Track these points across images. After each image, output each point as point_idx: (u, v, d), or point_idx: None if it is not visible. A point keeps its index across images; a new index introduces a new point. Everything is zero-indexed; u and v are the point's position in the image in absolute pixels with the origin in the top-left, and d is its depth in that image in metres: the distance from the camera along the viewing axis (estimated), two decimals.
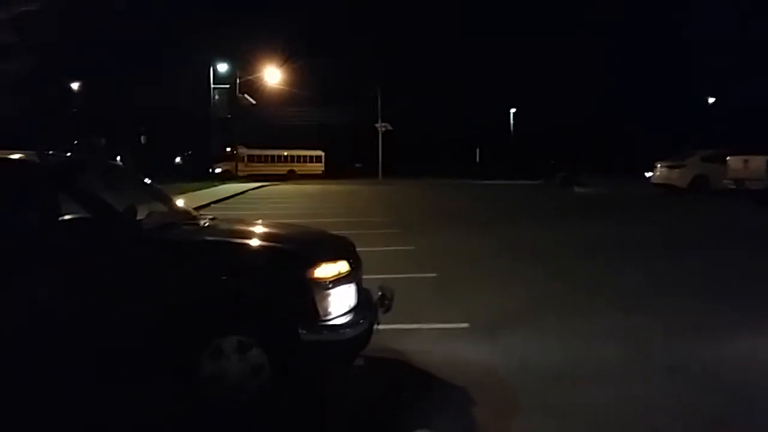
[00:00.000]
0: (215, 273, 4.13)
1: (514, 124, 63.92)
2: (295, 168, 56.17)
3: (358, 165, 64.99)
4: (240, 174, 47.83)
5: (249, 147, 54.43)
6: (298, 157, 59.42)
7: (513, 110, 63.70)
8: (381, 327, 4.80)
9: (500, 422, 4.19)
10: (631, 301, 7.50)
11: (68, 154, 5.20)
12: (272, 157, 54.83)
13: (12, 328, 3.99)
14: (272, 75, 45.90)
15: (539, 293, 8.00)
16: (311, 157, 60.21)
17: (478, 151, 65.25)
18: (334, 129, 61.23)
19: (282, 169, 55.49)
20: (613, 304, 7.31)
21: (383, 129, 49.39)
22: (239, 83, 44.57)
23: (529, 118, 63.95)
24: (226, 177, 44.50)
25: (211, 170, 48.58)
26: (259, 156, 56.23)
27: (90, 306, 4.05)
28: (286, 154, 56.97)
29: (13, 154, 4.39)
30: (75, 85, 47.59)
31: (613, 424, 4.19)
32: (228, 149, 52.38)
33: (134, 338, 4.04)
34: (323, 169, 59.41)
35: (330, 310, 4.20)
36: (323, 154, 60.77)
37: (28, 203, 4.25)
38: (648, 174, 27.48)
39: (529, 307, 7.22)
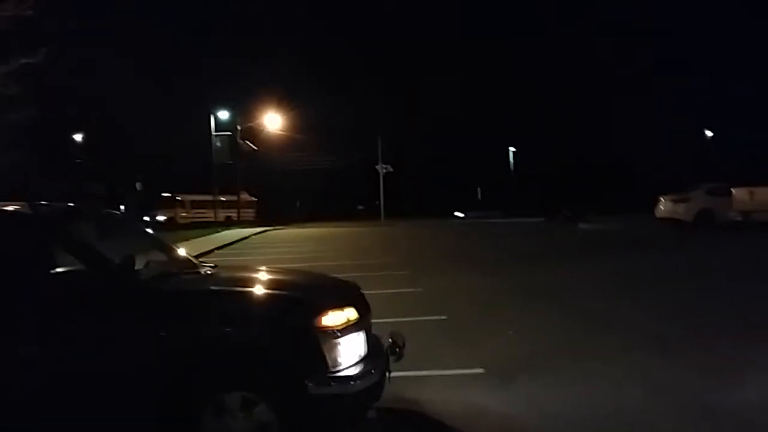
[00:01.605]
0: (215, 324, 3.90)
1: (513, 162, 64.04)
2: (231, 214, 49.90)
3: (360, 207, 64.97)
4: (180, 222, 45.11)
5: (190, 193, 50.55)
6: (232, 202, 53.02)
7: (512, 149, 63.88)
8: (393, 374, 4.54)
9: None
10: (653, 341, 7.20)
11: (68, 204, 4.99)
12: (212, 202, 51.19)
13: (2, 386, 3.74)
14: (273, 121, 46.19)
15: (555, 335, 7.70)
16: (247, 202, 55.17)
17: (479, 189, 65.25)
18: (335, 172, 61.41)
19: (221, 215, 49.41)
20: (634, 345, 7.01)
21: (384, 170, 49.42)
22: (240, 130, 44.81)
23: (529, 156, 64.19)
24: (170, 227, 40.50)
25: (148, 219, 42.76)
26: (202, 201, 50.76)
27: (84, 363, 3.81)
28: (224, 199, 51.04)
29: (5, 205, 4.20)
30: (78, 137, 47.93)
31: None
32: (167, 194, 48.94)
33: (131, 396, 3.78)
34: (254, 215, 54.31)
35: (339, 360, 3.96)
36: (256, 200, 56.37)
37: (20, 256, 4.05)
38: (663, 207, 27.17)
39: (546, 351, 6.93)
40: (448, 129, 69.08)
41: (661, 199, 27.73)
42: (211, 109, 44.17)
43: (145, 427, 3.85)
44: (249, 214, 52.81)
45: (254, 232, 34.66)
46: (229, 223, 45.22)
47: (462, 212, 55.22)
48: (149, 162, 50.36)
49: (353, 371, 3.99)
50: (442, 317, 8.81)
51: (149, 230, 5.62)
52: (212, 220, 46.53)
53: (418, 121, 67.64)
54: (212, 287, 4.55)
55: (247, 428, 3.80)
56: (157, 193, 48.89)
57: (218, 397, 3.81)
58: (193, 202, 50.79)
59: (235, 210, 49.06)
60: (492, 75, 73.68)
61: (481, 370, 6.14)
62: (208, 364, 3.83)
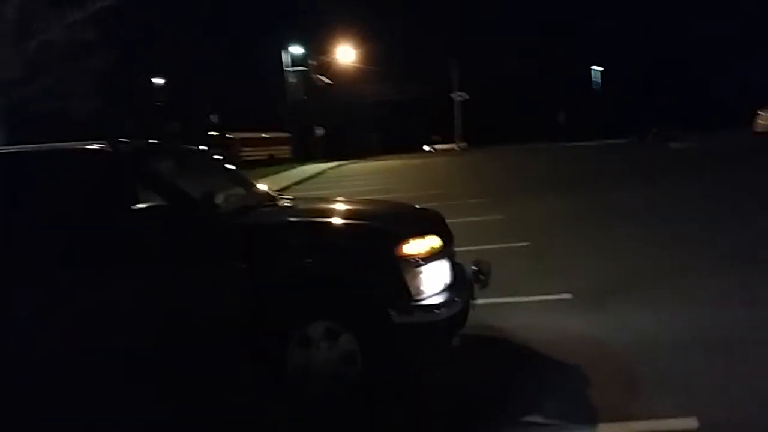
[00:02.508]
0: (296, 256, 3.85)
1: (600, 82, 61.12)
2: (272, 152, 47.56)
3: (435, 137, 64.27)
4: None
5: (238, 130, 46.84)
6: (273, 139, 51.93)
7: (597, 68, 60.84)
8: (478, 301, 4.41)
9: (620, 403, 3.71)
10: (750, 260, 6.74)
11: (147, 140, 5.02)
12: (261, 140, 46.87)
13: (88, 318, 3.87)
14: (346, 54, 45.79)
15: (644, 257, 7.35)
16: (281, 139, 52.75)
17: (561, 113, 62.95)
18: (409, 102, 60.65)
19: (263, 153, 46.72)
20: (730, 265, 6.58)
21: (460, 98, 48.38)
22: (314, 65, 44.68)
23: (615, 75, 61.03)
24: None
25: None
26: (251, 139, 48.17)
27: (165, 299, 3.87)
28: (267, 136, 48.93)
29: (86, 143, 4.25)
30: (157, 80, 49.11)
31: (748, 399, 3.62)
32: (213, 133, 45.77)
33: (216, 331, 3.82)
34: (289, 151, 51.18)
35: (422, 289, 3.83)
36: (289, 135, 52.97)
37: (102, 193, 4.10)
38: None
39: (636, 273, 6.62)
40: (525, 52, 66.38)
41: (760, 113, 25.86)
42: (284, 45, 44.02)
43: (231, 361, 3.90)
44: (283, 151, 49.82)
45: (329, 166, 34.94)
46: (303, 158, 43.95)
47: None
48: (221, 101, 50.09)
49: (437, 300, 3.88)
50: (526, 243, 8.58)
51: (229, 165, 5.60)
52: (259, 158, 43.69)
53: (494, 44, 65.24)
54: (292, 219, 4.50)
55: (332, 358, 3.78)
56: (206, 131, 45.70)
57: (302, 328, 3.79)
58: (242, 139, 47.22)
59: (277, 146, 46.49)
60: None
61: (568, 296, 5.93)
62: (290, 295, 3.80)
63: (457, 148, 55.23)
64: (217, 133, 45.60)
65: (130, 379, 3.97)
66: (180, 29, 45.40)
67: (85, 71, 19.46)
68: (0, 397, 3.90)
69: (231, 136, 45.48)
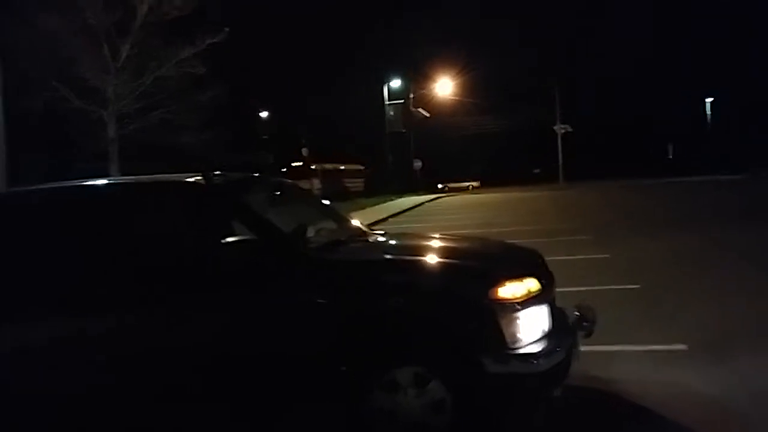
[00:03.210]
0: (386, 294, 3.66)
1: (710, 114, 57.95)
2: (349, 184, 45.29)
3: (536, 170, 62.90)
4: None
5: (318, 160, 44.34)
6: (349, 171, 49.94)
7: (709, 100, 57.75)
8: (581, 349, 4.04)
9: None
10: None
11: (242, 173, 5.04)
12: (336, 171, 44.84)
13: (172, 350, 3.82)
14: (445, 86, 46.00)
15: (765, 307, 6.62)
16: (356, 171, 50.91)
17: (670, 146, 59.96)
18: (509, 135, 59.87)
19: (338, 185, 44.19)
20: None
21: (563, 131, 47.20)
22: (413, 97, 45.13)
23: (728, 107, 57.71)
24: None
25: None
26: (333, 171, 46.23)
27: (250, 336, 3.77)
28: (343, 168, 46.91)
29: (182, 176, 4.30)
30: (264, 114, 51.20)
31: None
32: (297, 164, 43.31)
33: (300, 371, 3.67)
34: (362, 184, 48.93)
35: (519, 336, 3.55)
36: (363, 168, 51.59)
37: (194, 225, 4.11)
38: None
39: (759, 324, 5.96)
40: (633, 83, 64.12)
41: None
42: (385, 79, 44.73)
43: (314, 404, 3.74)
44: (357, 184, 47.14)
45: (427, 199, 34.88)
46: (401, 191, 42.79)
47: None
48: (318, 132, 50.91)
49: (535, 348, 3.58)
50: (635, 285, 7.99)
51: (322, 199, 5.54)
52: (340, 191, 41.36)
53: (600, 75, 63.47)
54: (382, 256, 4.33)
55: (420, 405, 3.55)
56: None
57: (389, 372, 3.58)
58: (324, 171, 44.78)
59: (351, 179, 44.55)
60: (680, 17, 66.91)
61: (683, 346, 5.39)
62: (378, 337, 3.61)
63: (470, 187, 55.24)
64: (301, 164, 44.27)
65: (206, 416, 3.90)
66: (285, 63, 47.19)
67: (195, 105, 20.50)
68: None
69: (315, 167, 43.87)
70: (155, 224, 4.19)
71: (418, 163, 50.27)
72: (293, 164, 44.06)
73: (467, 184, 58.26)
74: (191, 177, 4.21)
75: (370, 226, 5.41)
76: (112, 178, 4.82)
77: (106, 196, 4.42)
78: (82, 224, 4.17)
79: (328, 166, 46.09)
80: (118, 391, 3.85)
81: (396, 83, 45.71)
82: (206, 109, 20.93)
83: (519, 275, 3.71)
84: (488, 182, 56.36)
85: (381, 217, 21.49)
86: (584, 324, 4.17)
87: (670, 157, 59.10)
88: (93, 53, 19.43)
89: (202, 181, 4.16)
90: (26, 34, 17.80)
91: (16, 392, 3.86)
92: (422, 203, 31.73)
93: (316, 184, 40.13)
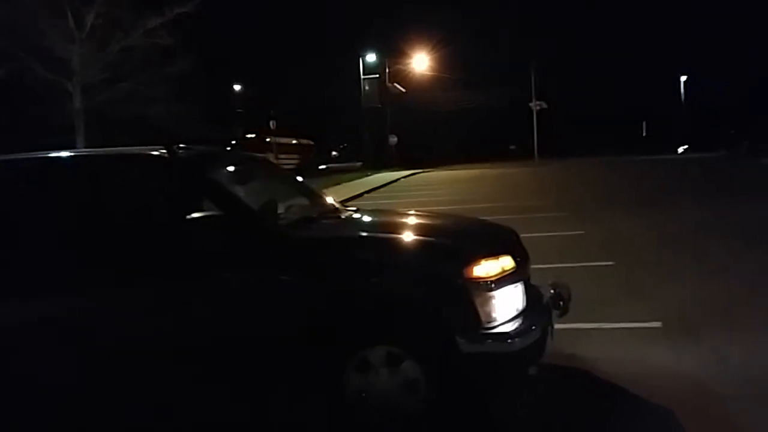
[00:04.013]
0: (356, 273, 3.54)
1: (684, 93, 58.44)
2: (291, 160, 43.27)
3: (512, 147, 63.08)
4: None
5: (273, 134, 42.00)
6: (301, 146, 48.96)
7: (683, 78, 58.19)
8: (555, 326, 3.97)
9: None
10: None
11: (207, 147, 4.85)
12: (289, 145, 43.78)
13: (136, 330, 3.67)
14: (421, 62, 45.57)
15: (739, 283, 6.65)
16: (306, 146, 49.97)
17: (644, 124, 60.45)
18: (485, 111, 59.72)
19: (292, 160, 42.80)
20: None
21: (538, 108, 47.18)
22: (388, 72, 44.71)
23: (703, 85, 58.29)
24: None
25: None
26: (286, 145, 44.56)
27: (219, 312, 3.62)
28: (294, 142, 45.90)
29: (142, 149, 4.10)
30: (237, 87, 50.32)
31: None
32: (250, 135, 42.32)
33: (269, 351, 3.55)
34: (298, 161, 45.92)
35: (494, 315, 3.47)
36: (312, 144, 50.99)
37: (157, 200, 3.94)
38: None
39: (732, 301, 5.99)
40: (607, 59, 64.26)
41: None
42: (360, 53, 44.22)
43: (284, 383, 3.62)
44: (292, 160, 44.16)
45: (402, 175, 34.76)
46: (377, 167, 42.17)
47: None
48: (291, 107, 49.97)
49: (510, 327, 3.50)
50: (609, 263, 7.98)
51: (294, 174, 5.37)
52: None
53: (574, 52, 63.51)
54: (354, 233, 4.20)
55: (393, 385, 3.47)
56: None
57: (361, 352, 3.48)
58: (279, 145, 42.88)
59: (293, 155, 43.16)
60: None
61: (657, 324, 5.37)
62: (349, 316, 3.50)
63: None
64: (254, 136, 43.03)
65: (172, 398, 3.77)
66: (258, 36, 46.26)
67: (163, 77, 19.99)
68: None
69: (269, 140, 42.15)
70: (117, 198, 4.00)
71: (393, 139, 50.02)
72: (247, 136, 43.02)
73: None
74: (155, 150, 4.02)
75: (345, 202, 5.26)
76: (74, 150, 4.60)
77: (67, 168, 4.21)
78: (42, 196, 3.98)
79: (283, 140, 44.38)
80: (76, 372, 3.69)
81: (371, 57, 45.21)
82: (175, 81, 20.43)
83: (494, 253, 3.61)
84: (463, 159, 56.34)
85: (356, 193, 21.33)
86: (559, 303, 4.09)
87: (644, 134, 59.66)
88: (57, 22, 18.80)
89: (166, 154, 3.97)
90: None
91: None
92: (398, 179, 31.57)
93: (270, 157, 39.10)
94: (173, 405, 3.81)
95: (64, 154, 4.41)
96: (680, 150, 50.00)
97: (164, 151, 3.98)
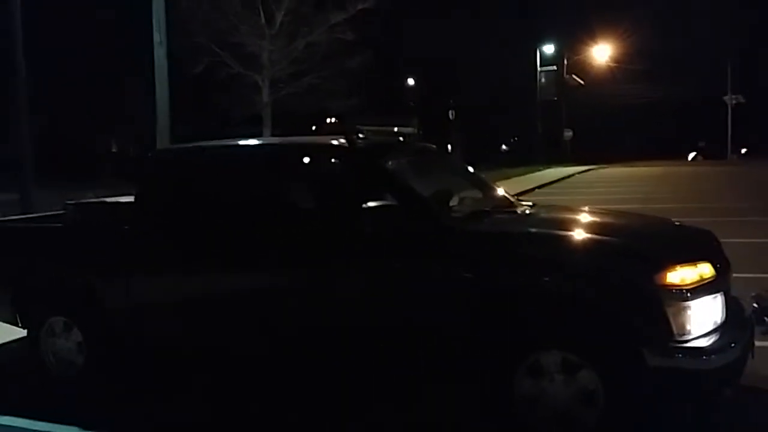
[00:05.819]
0: (534, 271, 3.38)
1: None
2: None
3: (701, 144, 57.93)
4: None
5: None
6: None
7: None
8: (758, 344, 3.54)
9: None
10: None
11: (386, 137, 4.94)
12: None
13: (305, 316, 3.85)
14: (601, 52, 43.37)
15: None
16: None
17: None
18: (671, 104, 55.40)
19: None
20: None
21: (734, 101, 42.89)
22: (566, 64, 43.07)
23: None
24: None
25: None
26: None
27: (387, 302, 3.66)
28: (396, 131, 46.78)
29: (324, 138, 4.25)
30: (410, 81, 51.07)
31: None
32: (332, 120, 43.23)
33: (435, 348, 3.51)
34: None
35: (688, 327, 3.15)
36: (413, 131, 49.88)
37: (334, 188, 4.08)
38: None
39: None
40: None
41: None
42: (537, 44, 43.04)
43: (450, 383, 3.56)
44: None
45: (577, 170, 33.30)
46: (550, 162, 42.42)
47: None
48: (467, 98, 49.80)
49: (706, 342, 3.17)
50: None
51: (467, 166, 5.28)
52: None
53: None
54: (532, 229, 4.02)
55: (566, 395, 3.26)
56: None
57: (534, 354, 3.31)
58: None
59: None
60: None
61: None
62: (522, 315, 3.35)
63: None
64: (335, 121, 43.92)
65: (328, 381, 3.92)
66: (433, 28, 46.44)
67: (343, 71, 20.81)
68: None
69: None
70: (298, 184, 4.24)
71: (568, 133, 48.16)
72: (328, 121, 43.52)
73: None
74: (335, 139, 4.13)
75: (516, 197, 5.05)
76: (259, 138, 4.96)
77: (253, 155, 4.51)
78: (230, 181, 4.33)
79: (372, 128, 45.07)
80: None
81: (549, 48, 43.78)
82: (354, 75, 21.17)
83: (691, 259, 3.28)
84: (644, 156, 52.77)
85: (527, 188, 20.77)
86: (763, 317, 3.64)
87: None
88: (249, 19, 20.24)
89: (346, 144, 4.06)
90: (189, 2, 18.87)
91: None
92: (572, 175, 30.31)
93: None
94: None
95: (252, 142, 4.73)
96: None
97: (344, 140, 4.08)
